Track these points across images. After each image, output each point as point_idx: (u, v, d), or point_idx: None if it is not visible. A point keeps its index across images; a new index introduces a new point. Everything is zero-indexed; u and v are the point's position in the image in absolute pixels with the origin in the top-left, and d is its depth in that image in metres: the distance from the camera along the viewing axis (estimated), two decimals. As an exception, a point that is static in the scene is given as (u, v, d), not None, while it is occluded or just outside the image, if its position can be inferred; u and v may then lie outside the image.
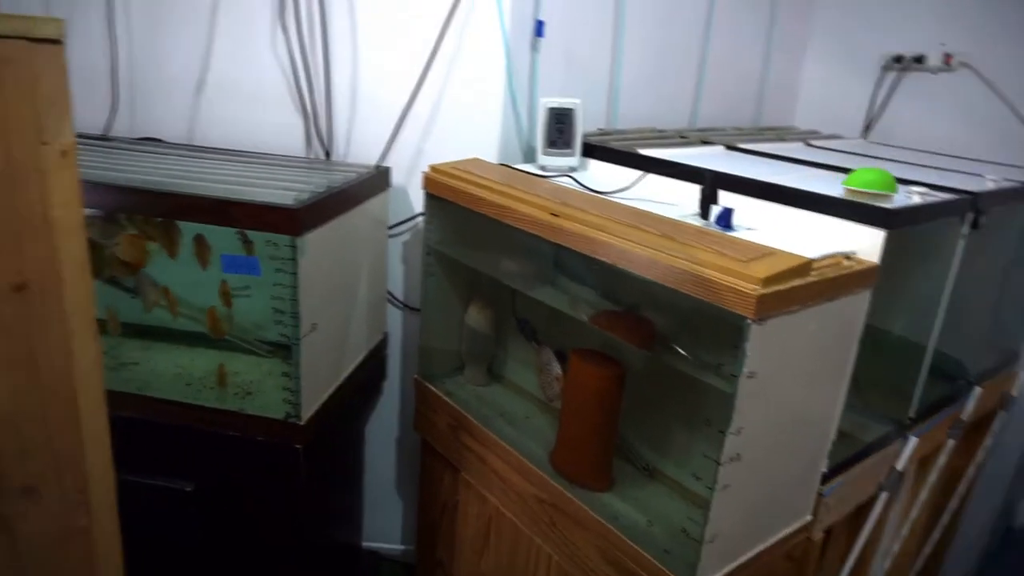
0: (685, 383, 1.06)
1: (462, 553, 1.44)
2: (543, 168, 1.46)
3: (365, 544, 1.82)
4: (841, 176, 1.21)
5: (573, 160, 1.46)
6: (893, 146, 1.97)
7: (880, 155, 1.72)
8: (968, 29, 1.94)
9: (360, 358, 1.49)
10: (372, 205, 1.45)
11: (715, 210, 1.14)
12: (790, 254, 0.93)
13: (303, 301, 1.17)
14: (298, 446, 1.22)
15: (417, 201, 1.59)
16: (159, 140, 1.60)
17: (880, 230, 1.05)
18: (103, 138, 1.59)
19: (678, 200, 1.25)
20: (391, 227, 1.60)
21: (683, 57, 1.93)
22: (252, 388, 1.32)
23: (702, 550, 0.94)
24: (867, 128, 2.13)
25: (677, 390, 1.16)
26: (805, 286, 0.91)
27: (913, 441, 1.30)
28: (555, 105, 1.45)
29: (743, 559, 1.03)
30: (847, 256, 1.04)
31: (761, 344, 0.87)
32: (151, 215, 1.27)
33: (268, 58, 1.54)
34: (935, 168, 1.56)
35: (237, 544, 1.34)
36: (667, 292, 0.93)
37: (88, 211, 1.29)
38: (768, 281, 0.85)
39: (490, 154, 1.53)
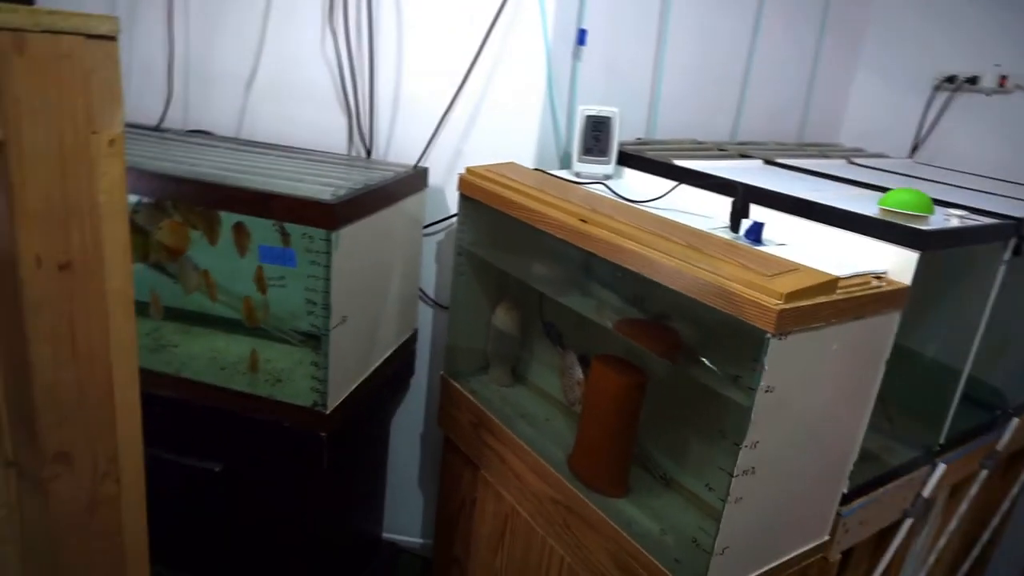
0: (705, 394, 1.06)
1: (478, 550, 1.46)
2: (578, 175, 1.47)
3: (386, 535, 1.86)
4: (880, 196, 1.20)
5: (608, 168, 1.47)
6: (940, 167, 1.93)
7: (925, 176, 1.69)
8: (1025, 51, 1.89)
9: (389, 352, 1.52)
10: (408, 204, 1.48)
11: (745, 224, 1.14)
12: (816, 271, 0.92)
13: (334, 293, 1.20)
14: (323, 434, 1.26)
15: (453, 202, 1.62)
16: (209, 133, 1.67)
17: (913, 251, 1.03)
18: (157, 129, 1.66)
19: (711, 212, 1.25)
20: (427, 226, 1.63)
21: (726, 70, 1.92)
22: (282, 375, 1.37)
23: (711, 561, 0.94)
24: (915, 148, 2.09)
25: (697, 401, 1.16)
26: (830, 303, 0.91)
27: (941, 468, 1.27)
28: (593, 113, 1.46)
29: (755, 574, 1.03)
30: (877, 276, 1.03)
31: (781, 359, 0.87)
32: (194, 204, 1.32)
33: (316, 58, 1.59)
34: (981, 192, 1.52)
35: (260, 525, 1.38)
36: (691, 303, 0.94)
37: (136, 198, 1.35)
38: (791, 296, 0.85)
39: (527, 159, 1.55)
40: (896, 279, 1.04)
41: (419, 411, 1.80)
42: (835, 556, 1.17)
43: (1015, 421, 1.43)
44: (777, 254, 0.99)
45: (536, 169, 1.50)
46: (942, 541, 1.47)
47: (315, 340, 1.24)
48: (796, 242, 1.13)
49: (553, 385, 1.46)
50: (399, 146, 1.61)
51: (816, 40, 2.09)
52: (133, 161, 1.27)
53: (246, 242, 1.31)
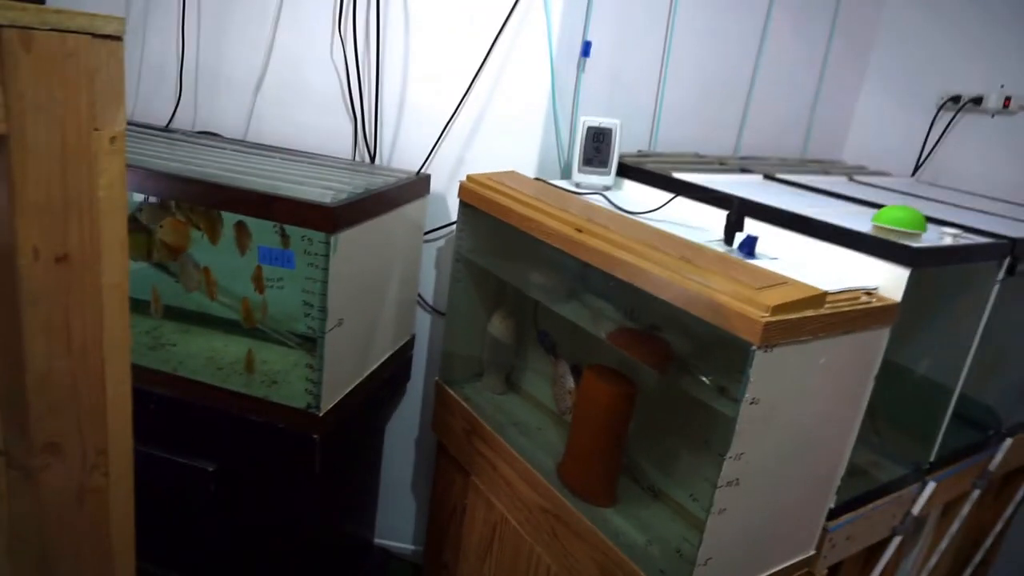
0: (694, 406, 1.07)
1: (467, 557, 1.46)
2: (578, 185, 1.49)
3: (377, 541, 1.86)
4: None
5: (608, 179, 1.49)
6: (941, 186, 1.93)
7: (925, 195, 1.69)
8: (1029, 73, 1.89)
9: (385, 357, 1.53)
10: (409, 210, 1.49)
11: (739, 237, 1.15)
12: (805, 285, 0.93)
13: (331, 296, 1.21)
14: (315, 436, 1.27)
15: (455, 209, 1.64)
16: (216, 134, 1.69)
17: (904, 268, 1.04)
18: (166, 130, 1.68)
19: (708, 225, 1.26)
20: (428, 232, 1.65)
21: (731, 85, 1.93)
22: (278, 377, 1.38)
23: (694, 572, 0.94)
24: (917, 167, 2.09)
25: (686, 413, 1.16)
26: (817, 317, 0.91)
27: (931, 486, 1.27)
28: (594, 124, 1.48)
29: (739, 587, 1.03)
30: (868, 292, 1.04)
31: (766, 371, 0.88)
32: (197, 204, 1.34)
33: (323, 64, 1.62)
34: (979, 211, 1.53)
35: (251, 526, 1.39)
36: (682, 314, 0.94)
37: (141, 196, 1.37)
38: (777, 309, 0.86)
39: (529, 168, 1.57)
40: (887, 295, 1.04)
41: (414, 416, 1.81)
42: (821, 571, 1.17)
43: (1009, 441, 1.43)
44: (769, 268, 1.00)
45: (537, 178, 1.52)
46: (933, 560, 1.46)
47: (311, 342, 1.26)
48: (790, 256, 1.14)
49: (546, 394, 1.47)
50: (403, 152, 1.63)
51: (822, 56, 2.10)
52: (141, 160, 1.29)
53: (247, 241, 1.33)
